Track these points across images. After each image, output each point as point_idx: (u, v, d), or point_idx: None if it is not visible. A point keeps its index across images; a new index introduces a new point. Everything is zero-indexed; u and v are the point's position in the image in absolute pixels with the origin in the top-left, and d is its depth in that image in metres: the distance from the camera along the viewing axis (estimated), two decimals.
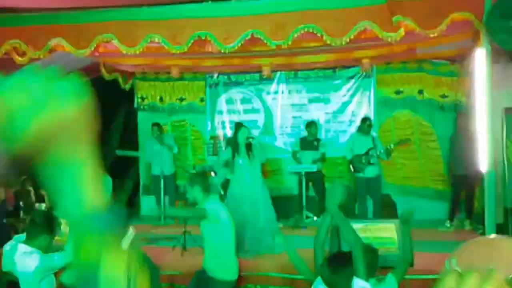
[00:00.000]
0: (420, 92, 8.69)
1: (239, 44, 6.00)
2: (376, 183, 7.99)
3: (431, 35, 5.42)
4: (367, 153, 7.85)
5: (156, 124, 9.03)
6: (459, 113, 7.89)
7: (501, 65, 6.07)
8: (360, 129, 8.18)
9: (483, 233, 5.42)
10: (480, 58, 5.37)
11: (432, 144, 8.57)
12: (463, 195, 7.61)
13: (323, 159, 8.49)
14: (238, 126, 6.77)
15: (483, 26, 4.97)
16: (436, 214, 8.31)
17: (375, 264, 3.13)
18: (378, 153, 7.81)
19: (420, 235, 5.74)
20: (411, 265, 4.95)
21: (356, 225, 5.32)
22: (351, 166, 8.03)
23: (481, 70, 5.28)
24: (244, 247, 5.81)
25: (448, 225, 7.61)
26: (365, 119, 8.24)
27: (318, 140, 8.56)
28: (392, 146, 7.91)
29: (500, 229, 5.57)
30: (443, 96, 8.54)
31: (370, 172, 7.88)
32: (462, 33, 6.00)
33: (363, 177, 7.91)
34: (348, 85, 9.07)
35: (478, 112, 5.36)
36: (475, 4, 5.01)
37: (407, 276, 4.78)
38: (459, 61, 7.66)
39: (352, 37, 5.68)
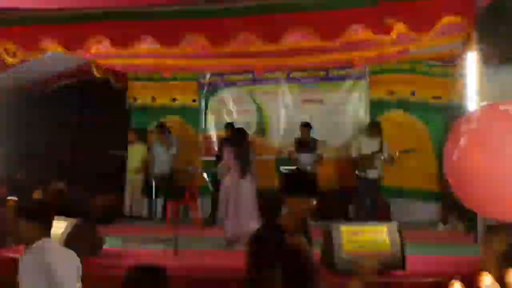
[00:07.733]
0: (413, 93, 8.70)
1: (232, 45, 5.99)
2: (376, 185, 8.01)
3: (423, 37, 5.43)
4: (372, 155, 7.86)
5: (159, 125, 8.99)
6: (451, 113, 7.89)
7: (492, 66, 6.08)
8: (368, 131, 8.19)
9: (476, 235, 5.42)
10: (471, 59, 5.38)
11: (425, 145, 8.57)
12: (455, 197, 7.60)
13: (320, 160, 8.48)
14: (237, 129, 6.83)
15: (474, 29, 4.98)
16: (430, 215, 8.33)
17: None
18: (382, 157, 7.84)
19: (414, 237, 5.74)
20: (403, 267, 4.96)
21: (349, 227, 5.35)
22: (356, 167, 8.06)
23: (473, 71, 5.29)
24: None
25: (442, 227, 7.63)
26: (374, 123, 8.24)
27: (314, 140, 8.52)
28: (397, 153, 7.90)
29: (493, 231, 5.57)
30: (436, 97, 8.56)
31: (372, 173, 7.91)
32: (454, 35, 6.01)
33: (365, 178, 7.94)
34: (342, 86, 9.06)
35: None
36: (466, 8, 5.01)
37: (400, 280, 4.79)
38: (451, 63, 7.66)
39: (344, 38, 5.68)
